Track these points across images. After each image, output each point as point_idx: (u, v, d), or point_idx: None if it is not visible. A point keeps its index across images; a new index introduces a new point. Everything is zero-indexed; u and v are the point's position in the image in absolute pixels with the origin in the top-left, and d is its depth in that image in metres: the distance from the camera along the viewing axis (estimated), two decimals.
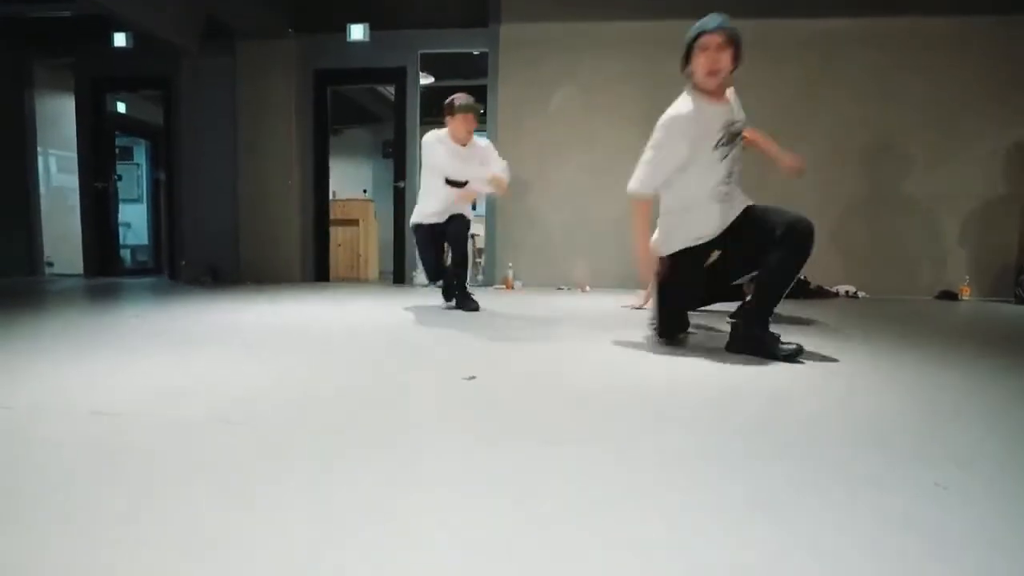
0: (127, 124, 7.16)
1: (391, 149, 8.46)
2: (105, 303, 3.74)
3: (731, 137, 2.15)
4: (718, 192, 2.14)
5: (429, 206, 3.38)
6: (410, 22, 5.27)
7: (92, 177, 5.88)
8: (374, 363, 1.95)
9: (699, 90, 2.14)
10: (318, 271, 5.69)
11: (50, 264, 6.07)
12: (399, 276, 5.53)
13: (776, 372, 1.84)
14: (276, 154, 5.47)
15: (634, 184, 2.22)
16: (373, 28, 5.24)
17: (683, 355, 2.11)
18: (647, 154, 2.19)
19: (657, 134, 2.16)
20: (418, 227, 3.45)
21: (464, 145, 3.34)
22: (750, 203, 2.20)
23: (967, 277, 4.68)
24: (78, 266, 6.01)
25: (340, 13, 5.27)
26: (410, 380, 1.72)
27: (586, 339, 2.46)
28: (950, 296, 4.71)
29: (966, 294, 4.64)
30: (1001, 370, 1.94)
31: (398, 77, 5.36)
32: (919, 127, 4.81)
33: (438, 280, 3.61)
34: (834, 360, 2.02)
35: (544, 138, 5.13)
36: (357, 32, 5.22)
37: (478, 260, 5.80)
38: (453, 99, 3.30)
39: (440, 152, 3.26)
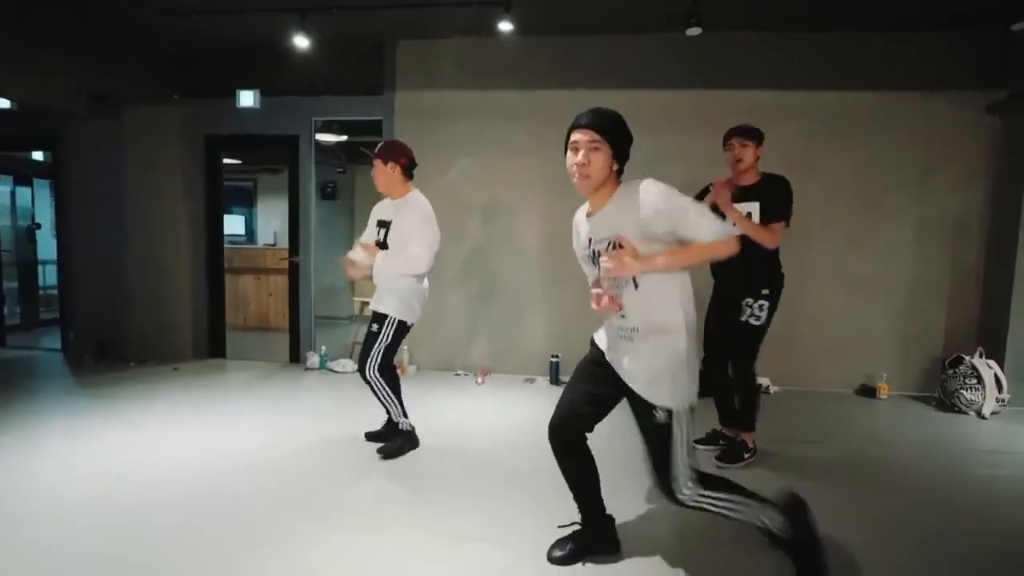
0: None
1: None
2: None
3: (593, 256, 1.83)
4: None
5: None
6: (302, 89, 4.95)
7: None
8: None
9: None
10: (212, 348, 5.34)
11: None
12: (294, 354, 5.20)
13: None
14: (165, 220, 5.14)
15: None
16: (264, 94, 4.92)
17: None
18: None
19: None
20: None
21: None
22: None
23: (884, 375, 4.33)
24: None
25: (229, 79, 4.95)
26: None
27: None
28: (869, 392, 4.38)
29: (884, 392, 4.29)
30: None
31: (291, 145, 5.04)
32: (844, 201, 4.47)
33: None
34: None
35: (442, 206, 4.79)
36: (247, 99, 4.89)
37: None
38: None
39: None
